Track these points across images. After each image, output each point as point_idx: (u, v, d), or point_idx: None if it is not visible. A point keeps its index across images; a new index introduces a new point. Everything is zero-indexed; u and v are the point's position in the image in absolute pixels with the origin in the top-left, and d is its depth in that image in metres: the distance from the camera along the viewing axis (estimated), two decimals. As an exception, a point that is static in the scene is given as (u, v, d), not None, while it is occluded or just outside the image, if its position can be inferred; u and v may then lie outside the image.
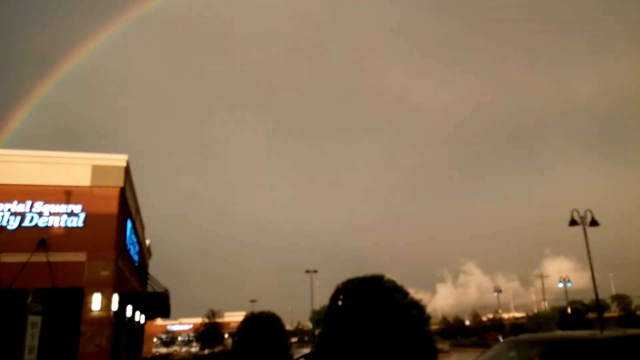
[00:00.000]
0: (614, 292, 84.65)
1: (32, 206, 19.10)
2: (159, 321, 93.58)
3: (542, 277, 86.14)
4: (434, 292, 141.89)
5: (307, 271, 78.46)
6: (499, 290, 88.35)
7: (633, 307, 76.70)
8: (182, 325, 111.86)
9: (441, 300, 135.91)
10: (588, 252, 29.19)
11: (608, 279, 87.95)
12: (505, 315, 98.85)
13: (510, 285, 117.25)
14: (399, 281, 13.42)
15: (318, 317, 70.92)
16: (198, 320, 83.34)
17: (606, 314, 69.36)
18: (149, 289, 32.82)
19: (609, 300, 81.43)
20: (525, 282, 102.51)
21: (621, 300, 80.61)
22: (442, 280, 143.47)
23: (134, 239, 27.33)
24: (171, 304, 28.12)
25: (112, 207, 20.20)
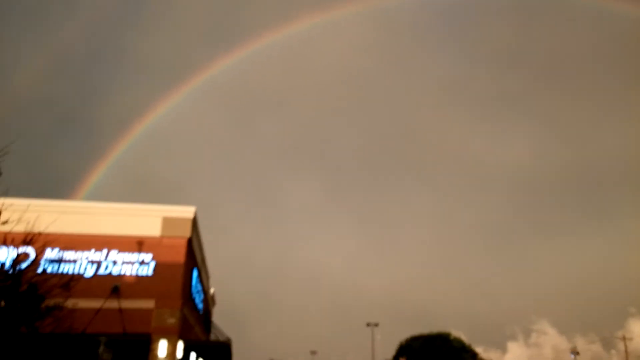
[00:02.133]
0: None
1: (107, 255, 20.23)
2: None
3: (624, 338, 79.00)
4: (504, 350, 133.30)
5: (368, 324, 76.60)
6: (576, 352, 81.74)
7: None
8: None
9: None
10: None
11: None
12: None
13: (589, 347, 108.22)
14: (466, 339, 12.84)
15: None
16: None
17: None
18: (213, 337, 33.18)
19: None
20: (607, 344, 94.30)
21: None
22: (512, 338, 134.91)
23: (200, 288, 28.00)
24: (233, 352, 28.23)
25: (180, 257, 20.96)
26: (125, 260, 20.25)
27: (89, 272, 19.88)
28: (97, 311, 18.92)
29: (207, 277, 34.88)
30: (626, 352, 78.13)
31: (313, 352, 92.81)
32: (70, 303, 14.07)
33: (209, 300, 38.15)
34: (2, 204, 11.71)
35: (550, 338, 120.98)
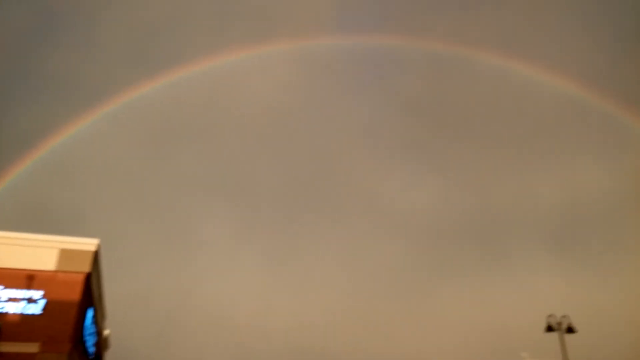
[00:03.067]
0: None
1: (-11, 290, 17.83)
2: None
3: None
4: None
5: (274, 370, 74.73)
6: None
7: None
8: None
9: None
10: (564, 359, 28.50)
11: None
12: None
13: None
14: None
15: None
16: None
17: None
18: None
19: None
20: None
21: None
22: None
23: (93, 329, 25.56)
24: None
25: (75, 294, 19.02)
26: (11, 296, 17.95)
27: (-35, 309, 17.36)
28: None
29: (103, 318, 32.06)
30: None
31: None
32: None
33: (101, 343, 34.93)
34: None
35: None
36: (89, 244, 20.04)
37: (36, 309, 18.19)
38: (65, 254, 19.22)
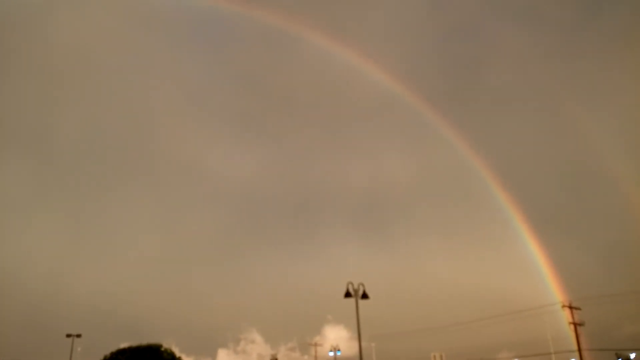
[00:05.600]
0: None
1: None
2: None
3: (315, 345, 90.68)
4: (214, 357, 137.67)
5: (69, 335, 69.45)
6: (274, 359, 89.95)
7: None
8: None
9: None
10: (358, 322, 31.74)
11: (370, 348, 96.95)
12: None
13: (287, 353, 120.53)
14: (178, 350, 12.45)
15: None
16: None
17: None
18: None
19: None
20: (305, 349, 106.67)
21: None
22: (223, 346, 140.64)
23: None
24: None
25: None
26: None
27: None
28: None
29: None
30: (315, 356, 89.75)
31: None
32: None
33: None
34: None
35: (257, 346, 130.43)
36: None
37: None
38: None
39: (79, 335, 70.63)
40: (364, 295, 31.92)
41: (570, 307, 53.92)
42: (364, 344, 35.29)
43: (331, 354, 76.46)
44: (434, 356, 69.19)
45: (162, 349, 24.93)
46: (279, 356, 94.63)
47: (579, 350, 52.36)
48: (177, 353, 28.69)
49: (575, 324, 52.71)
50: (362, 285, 31.96)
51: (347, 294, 31.70)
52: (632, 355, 61.82)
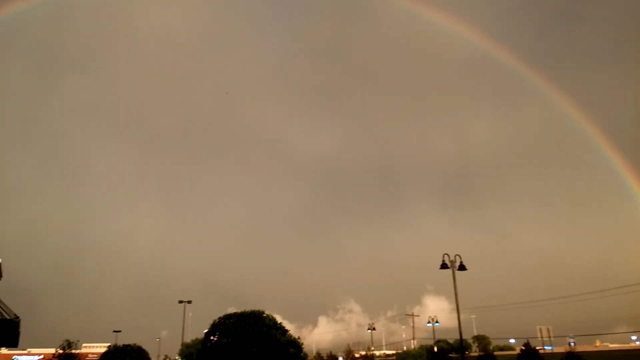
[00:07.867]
0: (475, 332, 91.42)
1: None
2: (4, 351, 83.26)
3: (412, 316, 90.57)
4: (315, 325, 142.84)
5: (181, 301, 76.00)
6: (372, 328, 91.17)
7: (491, 347, 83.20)
8: (31, 356, 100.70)
9: (319, 336, 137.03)
10: (455, 293, 31.19)
11: (471, 320, 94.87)
12: (377, 353, 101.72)
13: (386, 323, 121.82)
14: (279, 317, 13.08)
15: (189, 351, 67.40)
16: (50, 350, 75.28)
17: (468, 354, 74.29)
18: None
19: (470, 340, 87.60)
20: (403, 320, 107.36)
21: (481, 340, 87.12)
22: (324, 314, 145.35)
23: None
24: (21, 332, 24.89)
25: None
26: None
27: None
28: None
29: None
30: (413, 327, 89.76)
31: (117, 331, 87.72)
32: None
33: (-4, 273, 32.98)
34: None
35: (355, 315, 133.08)
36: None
37: None
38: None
39: (189, 302, 76.91)
40: (461, 267, 31.20)
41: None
42: (464, 316, 34.66)
43: (429, 325, 76.12)
44: (540, 329, 66.41)
45: (265, 315, 26.21)
46: (376, 325, 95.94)
47: None
48: (279, 320, 30.10)
49: None
50: (459, 256, 31.23)
51: (443, 265, 31.18)
52: None
